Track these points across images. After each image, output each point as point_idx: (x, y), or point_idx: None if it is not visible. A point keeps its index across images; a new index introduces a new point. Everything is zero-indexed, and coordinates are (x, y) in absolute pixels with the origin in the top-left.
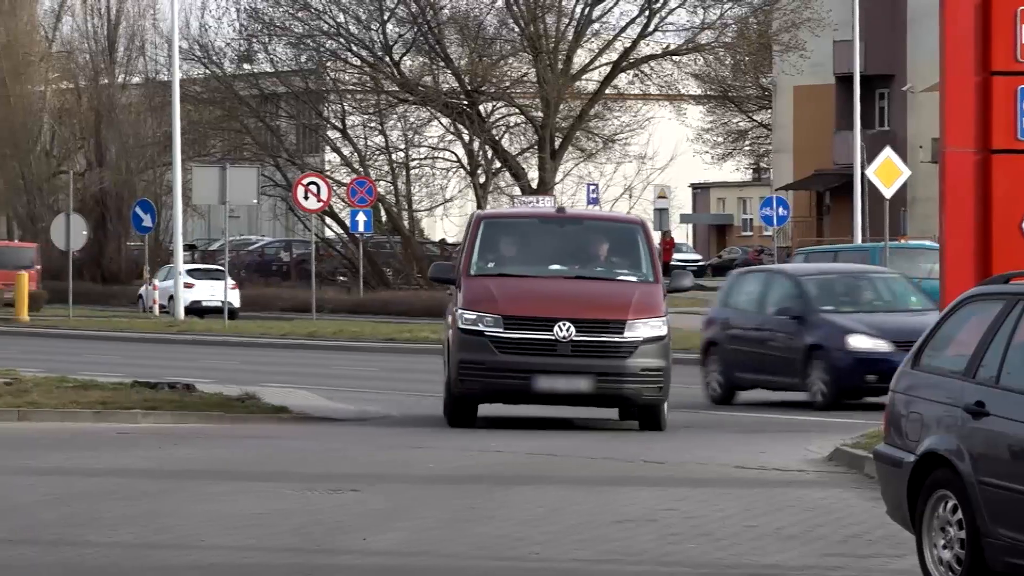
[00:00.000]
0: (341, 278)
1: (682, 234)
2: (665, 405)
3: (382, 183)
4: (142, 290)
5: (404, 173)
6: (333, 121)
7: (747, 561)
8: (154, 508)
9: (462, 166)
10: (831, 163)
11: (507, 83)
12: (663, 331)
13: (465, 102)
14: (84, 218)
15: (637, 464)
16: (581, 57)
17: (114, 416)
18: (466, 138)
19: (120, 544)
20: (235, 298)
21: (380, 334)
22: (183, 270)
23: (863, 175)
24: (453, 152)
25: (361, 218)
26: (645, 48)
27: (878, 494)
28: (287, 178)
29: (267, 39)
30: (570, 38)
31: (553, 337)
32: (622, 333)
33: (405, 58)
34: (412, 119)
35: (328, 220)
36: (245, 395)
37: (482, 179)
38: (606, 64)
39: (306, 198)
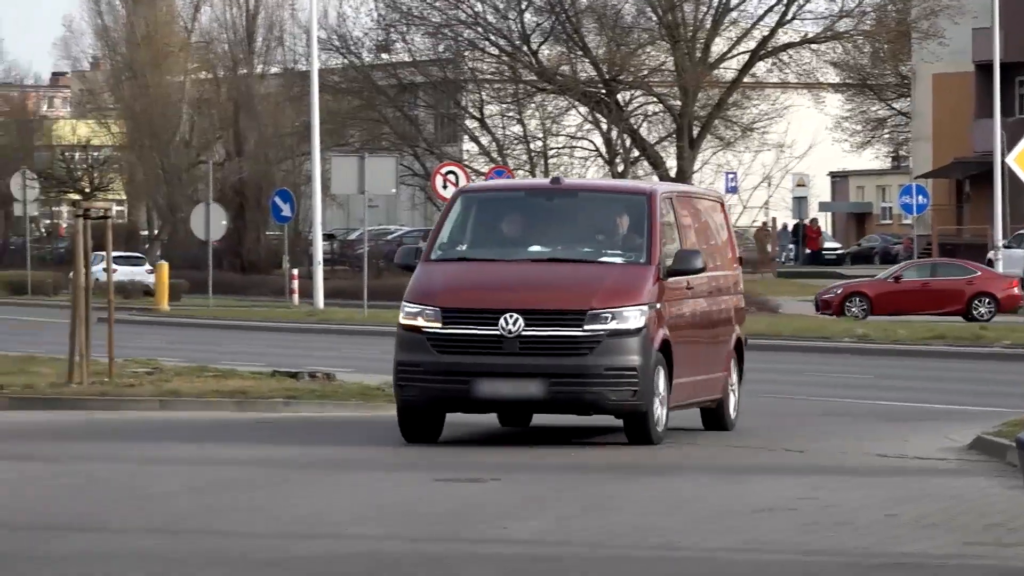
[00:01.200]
0: None
1: (820, 223)
2: (656, 412)
3: (520, 172)
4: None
5: (542, 162)
6: (471, 110)
7: (887, 550)
8: (293, 497)
9: (600, 155)
10: (971, 151)
11: (645, 72)
12: (640, 322)
13: (603, 91)
14: (223, 208)
15: (778, 452)
16: (719, 45)
17: (254, 405)
18: (604, 127)
19: (258, 534)
20: (150, 279)
21: None
22: (320, 260)
23: (1003, 163)
24: (591, 141)
25: None
26: (783, 36)
27: (1020, 482)
28: (425, 167)
29: (405, 28)
30: (708, 26)
31: (498, 332)
32: (581, 325)
33: (543, 47)
34: (550, 108)
35: None
36: (385, 384)
37: (620, 168)
38: (744, 52)
39: (444, 187)
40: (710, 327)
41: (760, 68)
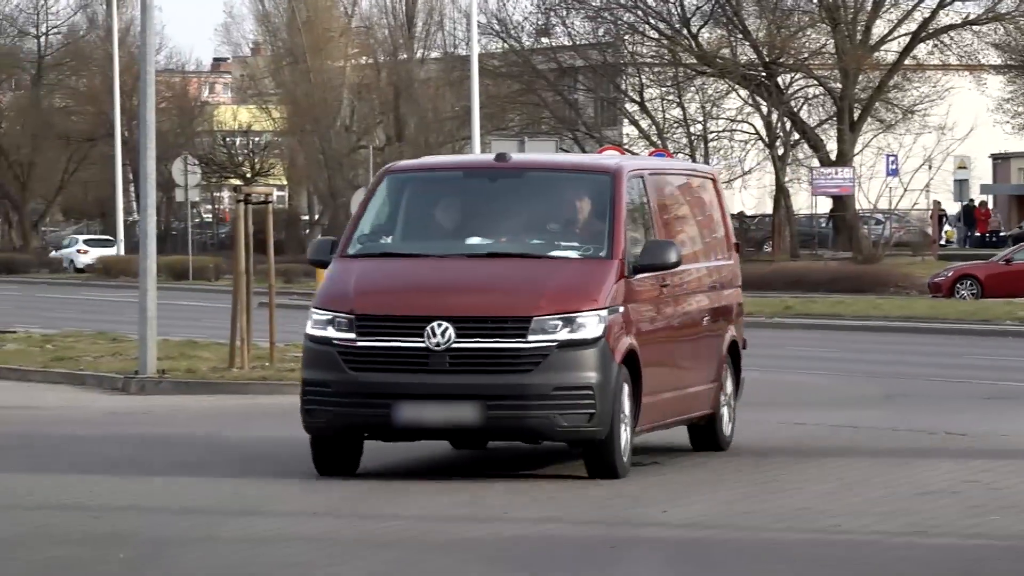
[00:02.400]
0: None
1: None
2: (621, 439)
3: (680, 155)
4: None
5: (702, 145)
6: (631, 94)
7: None
8: (463, 482)
9: (760, 138)
10: None
11: (805, 54)
12: (597, 330)
13: (763, 74)
14: None
15: (940, 436)
16: (880, 28)
17: None
18: (764, 110)
19: (426, 517)
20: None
21: None
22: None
23: None
24: (751, 124)
25: None
26: (944, 18)
27: None
28: (584, 151)
29: (565, 12)
30: (869, 8)
31: (423, 345)
32: (524, 335)
33: (703, 30)
34: (710, 91)
35: None
36: None
37: (780, 151)
38: (905, 34)
39: None
40: (694, 331)
41: (921, 50)
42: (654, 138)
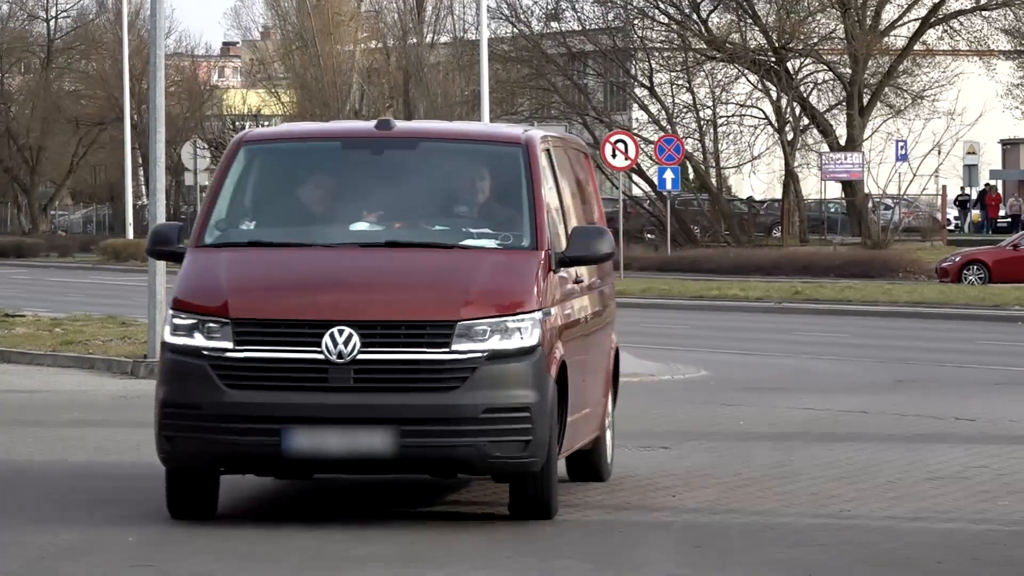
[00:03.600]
0: (648, 236)
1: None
2: (555, 470)
3: (689, 141)
4: None
5: (712, 131)
6: (640, 79)
7: None
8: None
9: (769, 123)
10: None
11: (815, 39)
12: (534, 337)
13: (772, 59)
14: None
15: (949, 421)
16: (889, 13)
17: None
18: (774, 95)
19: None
20: None
21: (688, 292)
22: None
23: None
24: (760, 109)
25: (669, 176)
26: (954, 3)
27: None
28: (594, 136)
29: (575, 0)
30: None
31: (321, 356)
32: (448, 345)
33: (712, 15)
34: (719, 76)
35: (636, 178)
36: None
37: (790, 136)
38: (915, 20)
39: (614, 156)
40: (592, 337)
41: (930, 35)
42: (664, 123)
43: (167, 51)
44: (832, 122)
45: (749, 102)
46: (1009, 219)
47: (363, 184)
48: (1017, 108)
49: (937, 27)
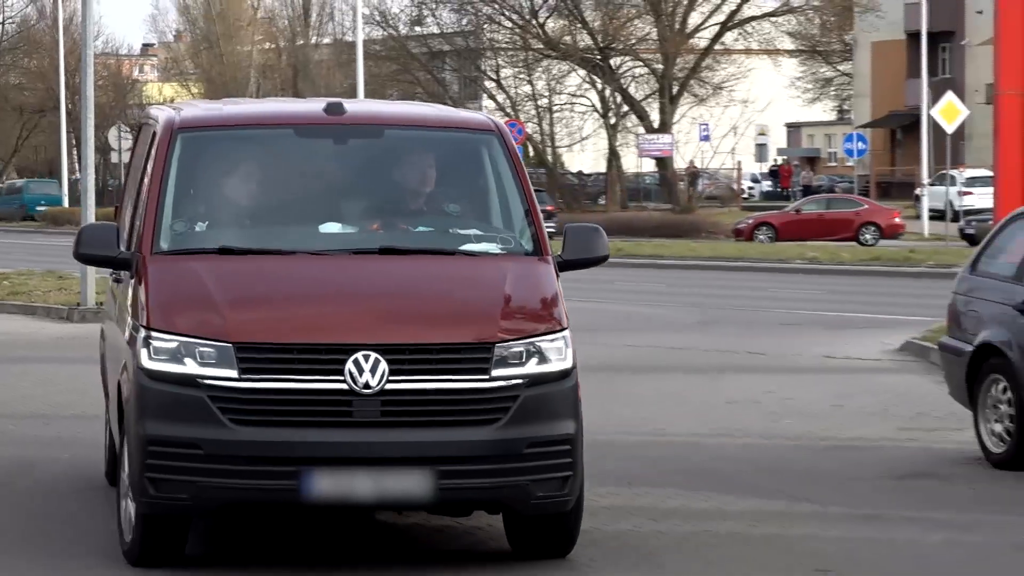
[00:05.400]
0: None
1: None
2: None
3: (530, 125)
4: None
5: (548, 116)
6: (489, 74)
7: (835, 435)
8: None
9: (596, 110)
10: (903, 105)
11: (633, 41)
12: (569, 359)
13: (598, 57)
14: None
15: (743, 355)
16: (694, 18)
17: None
18: (599, 87)
19: None
20: None
21: None
22: None
23: (929, 115)
24: (588, 98)
25: None
26: (748, 10)
27: (942, 378)
28: None
29: (434, 5)
30: (685, 3)
31: (344, 387)
32: (487, 371)
33: (548, 21)
34: (554, 71)
35: None
36: None
37: (612, 120)
38: (715, 24)
39: None
40: None
41: (728, 37)
42: (508, 110)
43: (96, 51)
44: (647, 109)
45: (579, 92)
46: (802, 188)
47: (328, 179)
48: (799, 97)
49: (733, 30)
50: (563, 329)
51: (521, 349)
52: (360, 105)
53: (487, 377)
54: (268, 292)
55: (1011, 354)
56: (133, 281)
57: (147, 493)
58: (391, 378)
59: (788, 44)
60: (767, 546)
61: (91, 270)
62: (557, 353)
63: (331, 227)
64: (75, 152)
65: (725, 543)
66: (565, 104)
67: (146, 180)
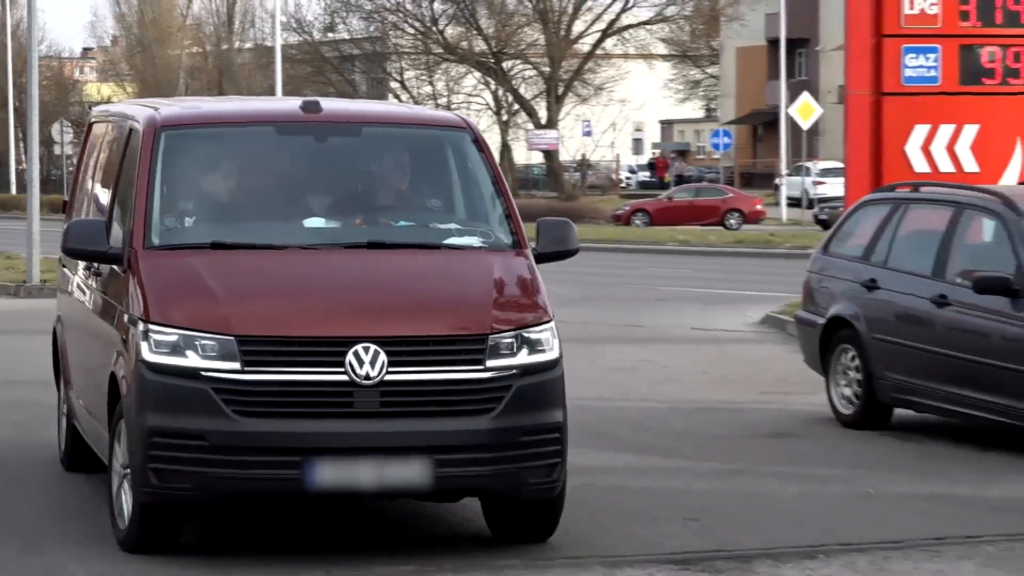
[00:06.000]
0: None
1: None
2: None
3: None
4: None
5: None
6: (394, 76)
7: (704, 398)
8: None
9: (490, 108)
10: (764, 104)
11: (523, 46)
12: (555, 350)
13: (492, 61)
14: None
15: (623, 327)
16: (578, 26)
17: None
18: (492, 87)
19: None
20: None
21: None
22: None
23: (787, 113)
24: (483, 98)
25: None
26: (626, 19)
27: (798, 348)
28: None
29: (345, 14)
30: (570, 12)
31: (345, 378)
32: (482, 362)
33: (447, 28)
34: (452, 74)
35: None
36: None
37: (504, 118)
38: (596, 31)
39: None
40: None
41: (608, 43)
42: None
43: (40, 54)
44: (536, 107)
45: (474, 92)
46: (676, 178)
47: (309, 175)
48: (671, 97)
49: (613, 37)
50: (550, 320)
51: (512, 340)
52: (335, 104)
53: (482, 368)
54: (267, 286)
55: (859, 326)
56: (125, 275)
57: (150, 483)
58: (390, 369)
59: (662, 49)
60: (645, 498)
61: (36, 251)
62: (545, 343)
63: (315, 222)
64: (21, 145)
65: (608, 495)
66: (462, 103)
67: (127, 177)
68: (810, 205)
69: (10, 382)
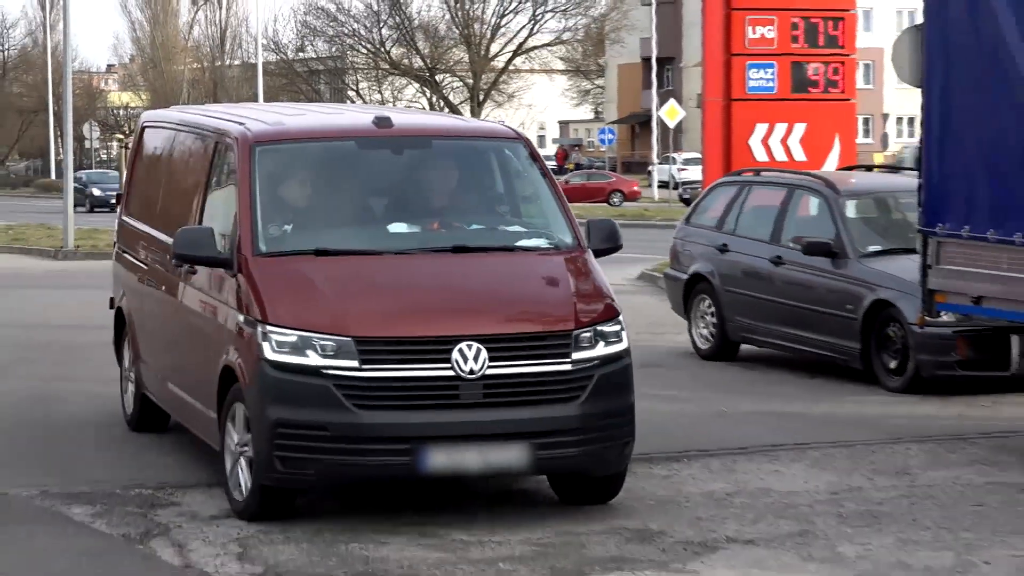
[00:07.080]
0: None
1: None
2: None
3: None
4: None
5: None
6: (351, 86)
7: None
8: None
9: (425, 111)
10: (640, 108)
11: (452, 63)
12: (625, 341)
13: (427, 74)
14: None
15: None
16: (495, 47)
17: None
18: (428, 95)
19: None
20: None
21: None
22: None
23: (657, 115)
24: (421, 103)
25: None
26: (532, 42)
27: (666, 298)
28: None
29: (312, 38)
30: (488, 36)
31: (452, 373)
32: (568, 355)
33: (392, 49)
34: (396, 84)
35: None
36: None
37: None
38: (509, 52)
39: None
40: None
41: (518, 60)
42: None
43: (73, 69)
44: (462, 111)
45: (414, 99)
46: (575, 165)
47: (389, 184)
48: (568, 103)
49: (522, 56)
50: (619, 314)
51: (591, 334)
52: (403, 118)
53: (569, 360)
54: (376, 289)
55: (714, 280)
56: (236, 279)
57: (275, 469)
58: (490, 364)
59: (560, 65)
60: None
61: (72, 224)
62: (618, 335)
63: (399, 227)
64: (59, 141)
65: None
66: (404, 108)
67: (220, 187)
68: (676, 187)
69: (46, 325)
